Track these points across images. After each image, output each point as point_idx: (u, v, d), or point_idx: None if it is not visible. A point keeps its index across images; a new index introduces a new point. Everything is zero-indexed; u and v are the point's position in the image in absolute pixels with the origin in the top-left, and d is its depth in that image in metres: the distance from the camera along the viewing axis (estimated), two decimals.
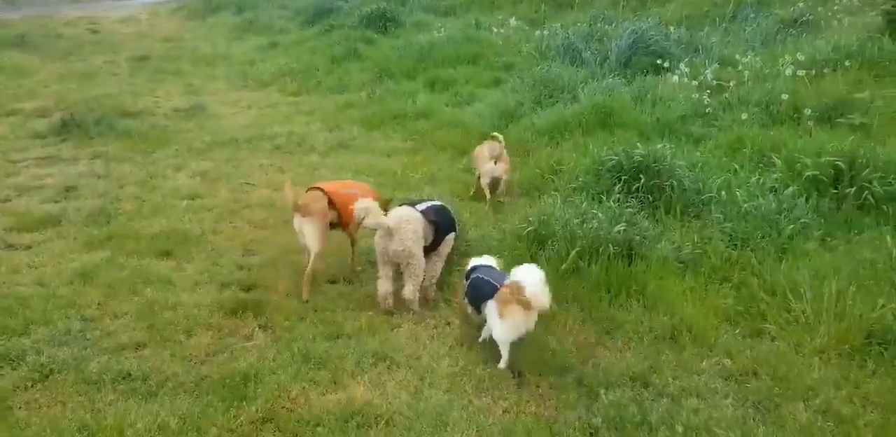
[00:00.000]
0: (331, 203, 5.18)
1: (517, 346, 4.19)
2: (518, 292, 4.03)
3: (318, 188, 5.26)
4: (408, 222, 4.75)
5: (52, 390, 3.95)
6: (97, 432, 3.57)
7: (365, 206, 4.68)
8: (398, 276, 4.90)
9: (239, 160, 8.10)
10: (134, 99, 11.01)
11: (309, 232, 5.04)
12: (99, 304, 4.89)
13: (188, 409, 3.76)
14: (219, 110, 10.46)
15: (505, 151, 6.54)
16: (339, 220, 5.27)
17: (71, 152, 8.38)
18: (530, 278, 4.09)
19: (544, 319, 4.59)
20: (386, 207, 5.13)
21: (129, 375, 4.07)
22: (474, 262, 4.67)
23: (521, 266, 4.28)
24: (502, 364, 4.18)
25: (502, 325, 4.10)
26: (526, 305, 4.02)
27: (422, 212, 4.90)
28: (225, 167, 7.84)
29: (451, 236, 5.08)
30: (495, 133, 6.75)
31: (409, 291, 4.80)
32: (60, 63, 13.99)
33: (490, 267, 4.57)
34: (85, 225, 6.23)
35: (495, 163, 6.50)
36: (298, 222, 5.09)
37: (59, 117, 9.37)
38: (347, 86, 11.33)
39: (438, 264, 5.07)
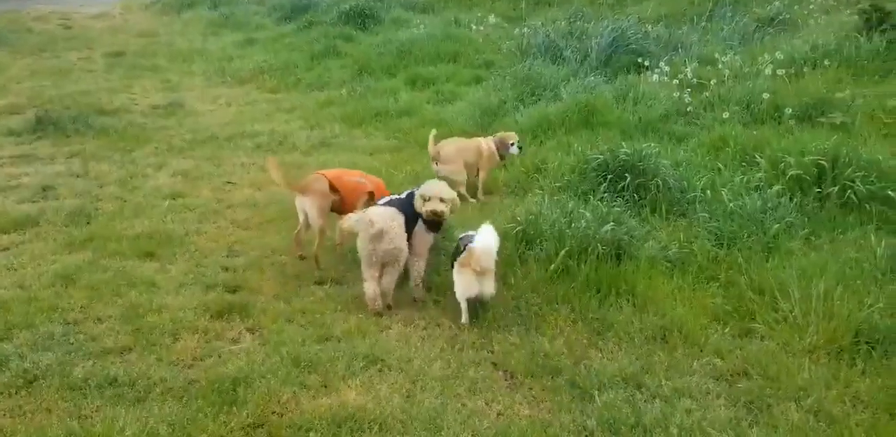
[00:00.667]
0: (334, 189, 5.47)
1: (480, 305, 4.71)
2: (471, 257, 4.50)
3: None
4: (392, 219, 4.79)
5: (37, 396, 3.86)
6: None
7: (360, 222, 4.74)
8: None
9: (220, 159, 8.00)
10: (110, 96, 10.82)
11: (309, 209, 5.31)
12: (82, 307, 4.80)
13: (177, 415, 3.70)
14: (197, 107, 10.31)
15: (459, 147, 6.70)
16: (340, 204, 5.47)
17: (47, 151, 8.22)
18: (479, 242, 4.54)
19: (535, 320, 4.62)
20: None
21: (116, 380, 3.99)
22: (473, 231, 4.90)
23: (481, 229, 4.67)
24: (463, 320, 4.66)
25: (456, 284, 4.61)
26: (478, 269, 4.48)
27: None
28: (206, 166, 7.74)
29: (420, 228, 5.07)
30: (433, 130, 6.80)
31: (388, 281, 4.87)
32: (32, 59, 13.70)
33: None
34: (64, 226, 6.11)
35: (436, 164, 6.61)
36: (300, 201, 5.34)
37: (34, 115, 9.19)
38: (328, 83, 11.23)
39: (420, 262, 5.05)
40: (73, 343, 4.35)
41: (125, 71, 12.76)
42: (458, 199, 5.11)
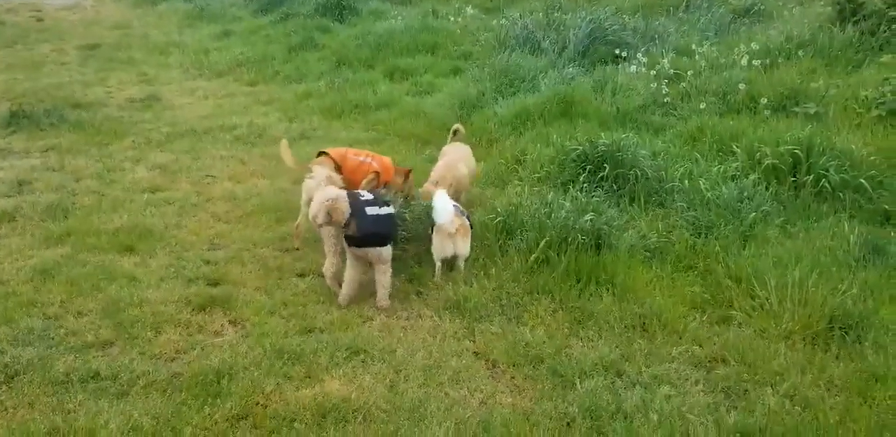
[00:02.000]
0: (337, 167, 5.69)
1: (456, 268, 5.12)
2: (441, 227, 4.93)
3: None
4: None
5: (18, 391, 3.85)
6: (69, 434, 3.50)
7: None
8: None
9: (199, 152, 7.94)
10: (85, 89, 10.71)
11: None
12: (61, 302, 4.78)
13: (161, 408, 3.71)
14: (175, 100, 10.22)
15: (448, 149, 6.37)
16: (347, 184, 5.53)
17: (22, 145, 8.12)
18: (439, 218, 4.90)
19: (517, 310, 4.67)
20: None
21: (98, 374, 3.99)
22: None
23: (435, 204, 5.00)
24: (435, 277, 5.09)
25: (434, 246, 5.02)
26: (451, 233, 4.90)
27: None
28: (185, 159, 7.68)
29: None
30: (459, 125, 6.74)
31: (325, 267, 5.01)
32: (4, 52, 13.49)
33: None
34: (42, 220, 6.06)
35: None
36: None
37: (8, 108, 9.07)
38: (306, 75, 11.16)
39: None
40: (53, 338, 4.34)
41: (100, 64, 12.61)
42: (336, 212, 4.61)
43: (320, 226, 4.78)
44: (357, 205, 4.70)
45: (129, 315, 4.59)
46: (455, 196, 5.66)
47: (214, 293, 4.90)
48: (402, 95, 9.74)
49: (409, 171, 6.12)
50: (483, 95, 8.94)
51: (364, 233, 4.69)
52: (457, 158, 6.06)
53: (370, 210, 4.71)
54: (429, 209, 5.28)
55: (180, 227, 6.02)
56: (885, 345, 4.13)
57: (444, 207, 4.95)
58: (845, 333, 4.23)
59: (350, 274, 4.88)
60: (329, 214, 4.61)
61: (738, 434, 3.49)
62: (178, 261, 5.40)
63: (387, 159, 6.07)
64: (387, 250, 4.82)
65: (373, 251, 4.78)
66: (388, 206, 4.89)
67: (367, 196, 4.85)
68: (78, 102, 9.90)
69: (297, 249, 5.57)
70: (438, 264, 5.09)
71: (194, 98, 10.44)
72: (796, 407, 3.71)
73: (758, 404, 3.73)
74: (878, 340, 4.17)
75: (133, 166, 7.47)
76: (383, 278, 4.84)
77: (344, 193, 4.80)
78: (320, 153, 5.93)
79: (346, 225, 4.67)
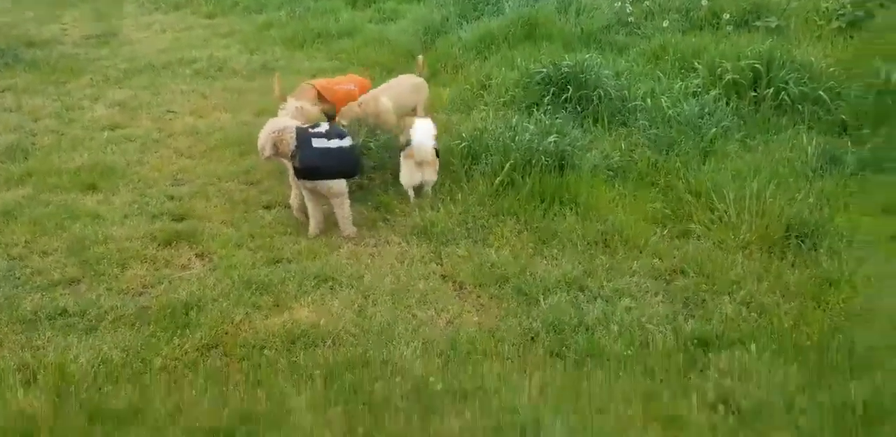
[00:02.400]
0: (323, 98, 5.75)
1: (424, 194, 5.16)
2: (411, 151, 4.98)
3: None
4: None
5: None
6: (39, 369, 3.52)
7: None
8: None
9: (158, 87, 7.80)
10: (39, 27, 10.42)
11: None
12: (26, 242, 4.76)
13: (131, 341, 3.75)
14: (132, 36, 9.97)
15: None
16: (335, 113, 5.63)
17: None
18: (416, 139, 4.97)
19: (482, 233, 4.71)
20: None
21: (66, 311, 4.01)
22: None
23: (416, 126, 5.09)
24: (412, 201, 5.14)
25: (402, 173, 5.07)
26: (418, 161, 4.96)
27: None
28: (144, 95, 7.55)
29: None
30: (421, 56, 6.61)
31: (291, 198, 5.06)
32: None
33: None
34: (1, 162, 5.98)
35: None
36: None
37: None
38: (265, 5, 10.90)
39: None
40: (19, 278, 4.35)
41: (53, 1, 12.19)
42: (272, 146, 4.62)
43: (267, 158, 4.71)
44: (305, 137, 4.62)
45: (94, 253, 4.59)
46: (375, 128, 5.45)
47: (180, 228, 4.90)
48: (364, 22, 9.56)
49: (372, 78, 6.33)
50: (447, 20, 8.77)
51: (305, 165, 4.61)
52: (385, 88, 5.85)
53: (317, 143, 4.62)
54: (391, 137, 5.28)
55: (142, 163, 5.96)
56: (839, 251, 4.24)
57: (424, 129, 5.05)
58: (801, 241, 4.32)
59: (311, 207, 4.85)
60: (276, 145, 4.58)
61: (695, 340, 3.61)
62: (141, 198, 5.37)
63: (364, 80, 6.12)
64: (337, 184, 4.74)
65: (321, 184, 4.71)
66: (342, 139, 4.75)
67: (320, 128, 4.74)
68: (32, 40, 9.65)
69: None
70: (410, 191, 5.11)
71: (151, 32, 10.18)
72: (752, 314, 3.82)
73: (715, 312, 3.83)
74: (833, 246, 4.28)
75: (92, 104, 7.34)
76: (340, 210, 4.81)
77: (293, 124, 4.71)
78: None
79: (293, 157, 4.64)
